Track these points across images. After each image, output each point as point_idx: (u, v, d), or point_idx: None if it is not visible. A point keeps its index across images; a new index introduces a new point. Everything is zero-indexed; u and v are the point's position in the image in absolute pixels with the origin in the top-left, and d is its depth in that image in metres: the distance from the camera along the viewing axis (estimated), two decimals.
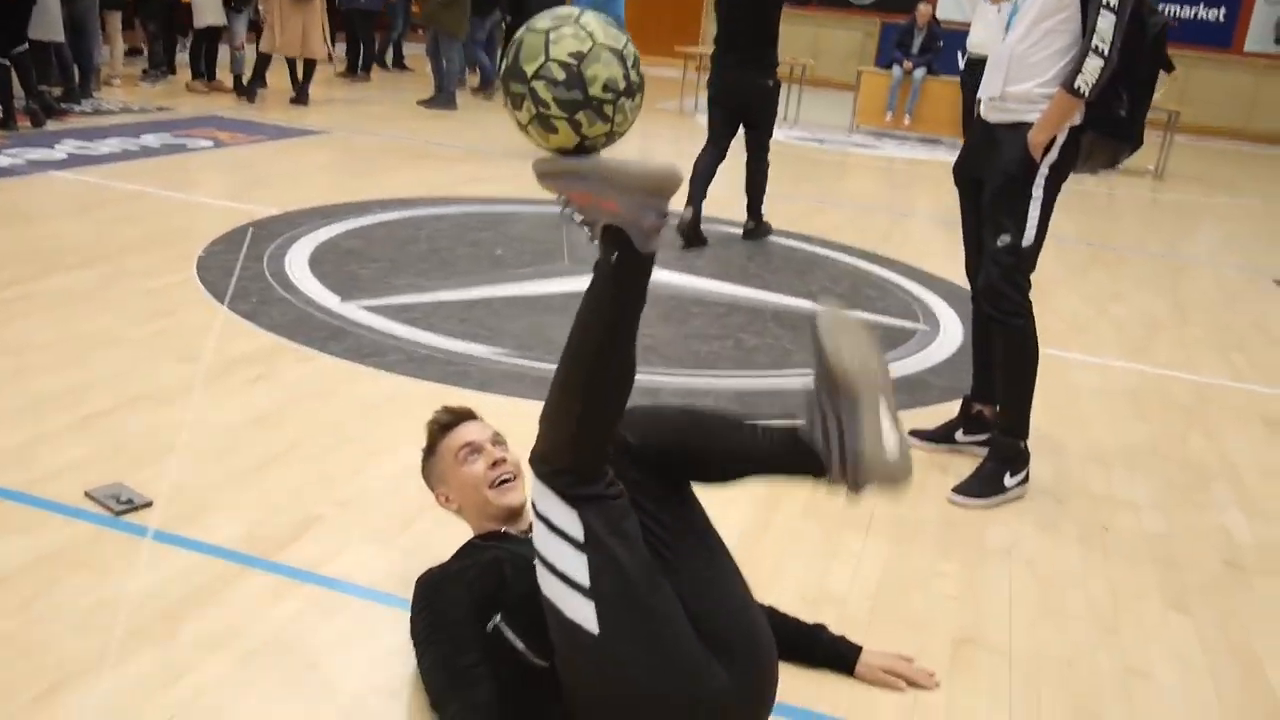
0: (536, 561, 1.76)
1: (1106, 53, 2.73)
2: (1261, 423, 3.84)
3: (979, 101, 3.12)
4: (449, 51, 9.97)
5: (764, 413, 2.90)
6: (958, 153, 3.33)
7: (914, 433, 3.34)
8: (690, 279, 4.98)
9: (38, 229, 4.85)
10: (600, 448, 1.76)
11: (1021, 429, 3.08)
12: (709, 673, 1.68)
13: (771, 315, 4.52)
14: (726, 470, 1.98)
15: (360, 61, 11.82)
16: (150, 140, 7.09)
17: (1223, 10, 14.22)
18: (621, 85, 1.66)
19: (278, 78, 9.45)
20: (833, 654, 2.13)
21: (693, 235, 5.58)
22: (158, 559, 2.32)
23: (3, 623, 2.06)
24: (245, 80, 9.25)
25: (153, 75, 9.71)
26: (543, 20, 1.69)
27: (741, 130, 5.90)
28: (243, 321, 3.81)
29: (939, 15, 11.82)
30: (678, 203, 1.83)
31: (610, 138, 1.72)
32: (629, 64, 1.68)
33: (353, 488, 2.72)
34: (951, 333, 4.45)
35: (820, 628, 2.16)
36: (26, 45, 6.99)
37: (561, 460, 1.74)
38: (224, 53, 9.64)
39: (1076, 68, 2.76)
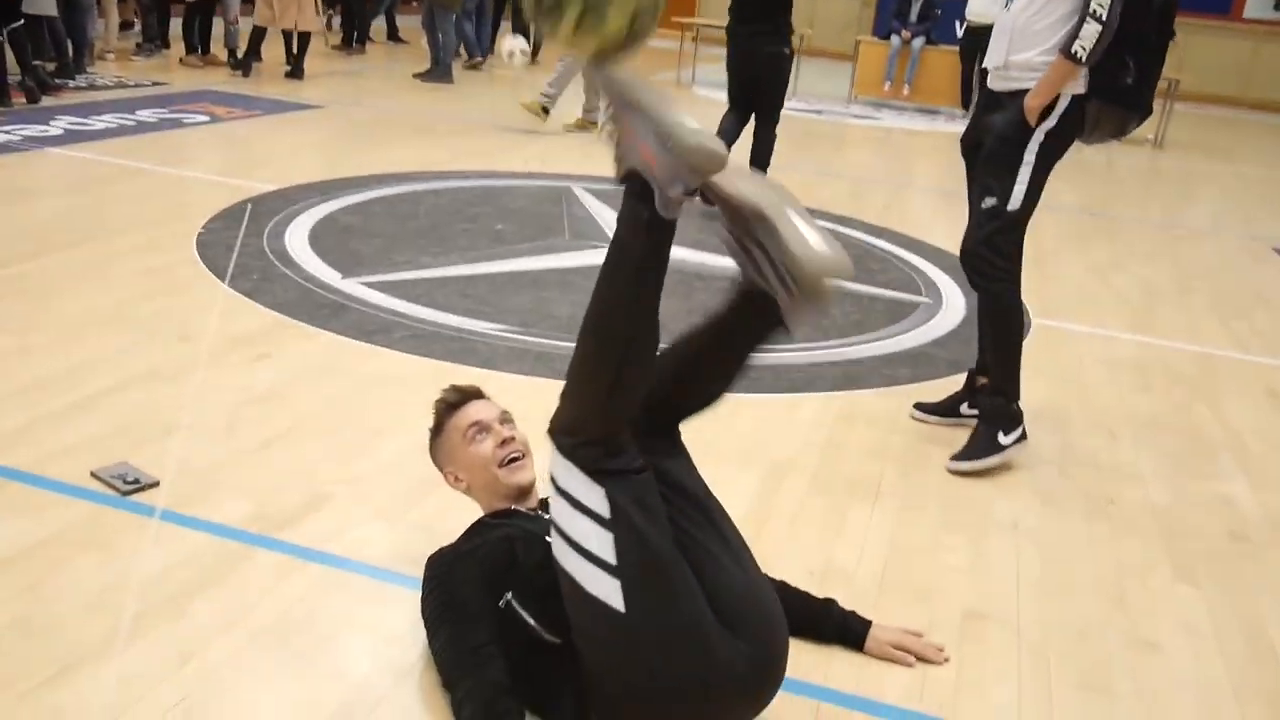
0: (556, 537, 1.75)
1: (1104, 17, 2.71)
2: (1265, 393, 3.84)
3: (984, 72, 3.10)
4: (444, 24, 9.89)
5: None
6: (955, 123, 3.32)
7: (919, 406, 3.34)
8: (692, 253, 4.95)
9: (35, 206, 4.82)
10: (628, 418, 1.75)
11: (1011, 390, 3.09)
12: (726, 648, 1.69)
13: None
14: (710, 381, 1.98)
15: (355, 34, 11.73)
16: (146, 115, 7.04)
17: None
18: None
19: (273, 51, 9.38)
20: (843, 629, 2.13)
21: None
22: (166, 539, 2.32)
23: (13, 604, 2.06)
24: (239, 54, 9.18)
25: (147, 49, 9.63)
26: None
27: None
28: (244, 299, 3.80)
29: None
30: None
31: (655, 10, 1.75)
32: None
33: (359, 466, 2.71)
34: (955, 305, 4.44)
35: (830, 603, 2.16)
36: (21, 21, 6.92)
37: (590, 431, 1.72)
38: (218, 26, 9.56)
39: (1074, 33, 2.74)
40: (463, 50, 11.28)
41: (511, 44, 8.08)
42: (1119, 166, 8.78)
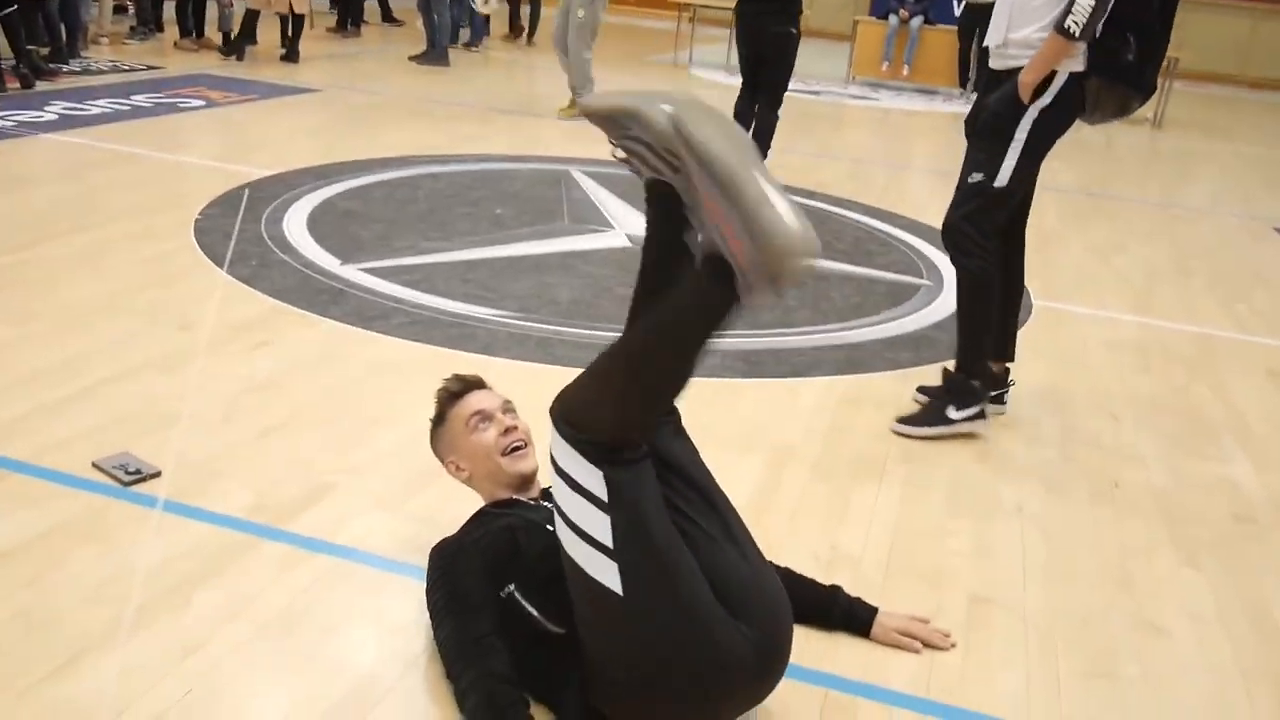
0: (557, 518, 1.74)
1: None
2: (1266, 374, 3.84)
3: (986, 50, 3.08)
4: (439, 7, 9.82)
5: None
6: (954, 103, 3.31)
7: (921, 389, 3.33)
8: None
9: (31, 193, 4.79)
10: (644, 431, 1.75)
11: (972, 366, 3.09)
12: (729, 634, 1.68)
13: None
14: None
15: (350, 17, 11.65)
16: (141, 100, 7.00)
17: None
18: None
19: (268, 35, 9.32)
20: (849, 615, 2.13)
21: None
22: (168, 530, 2.31)
23: (17, 596, 2.05)
24: (233, 37, 9.12)
25: (140, 33, 9.56)
26: None
27: None
28: (243, 286, 3.78)
29: None
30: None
31: None
32: None
33: (360, 455, 2.70)
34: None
35: (836, 589, 2.16)
36: (14, 5, 6.87)
37: (596, 435, 1.68)
38: (212, 9, 9.49)
39: (1068, 8, 2.73)
40: (469, 31, 11.23)
41: None
42: (1118, 146, 8.75)
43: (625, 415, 1.68)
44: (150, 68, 8.30)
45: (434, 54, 9.79)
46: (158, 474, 2.51)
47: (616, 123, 1.86)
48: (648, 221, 1.94)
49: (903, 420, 3.08)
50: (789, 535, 2.50)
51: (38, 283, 3.68)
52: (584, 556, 1.69)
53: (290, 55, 9.12)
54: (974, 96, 3.49)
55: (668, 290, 1.73)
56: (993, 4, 3.03)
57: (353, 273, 4.01)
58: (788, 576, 2.11)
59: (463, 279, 4.05)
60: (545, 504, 1.99)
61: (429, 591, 1.95)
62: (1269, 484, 2.98)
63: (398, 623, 2.06)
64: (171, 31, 9.69)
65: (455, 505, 2.22)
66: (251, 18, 9.00)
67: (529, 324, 3.65)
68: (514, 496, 2.12)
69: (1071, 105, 2.91)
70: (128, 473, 2.49)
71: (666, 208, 1.88)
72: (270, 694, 1.86)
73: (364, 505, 2.47)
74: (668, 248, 1.93)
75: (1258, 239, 5.98)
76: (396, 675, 1.93)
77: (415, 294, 3.84)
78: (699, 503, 1.83)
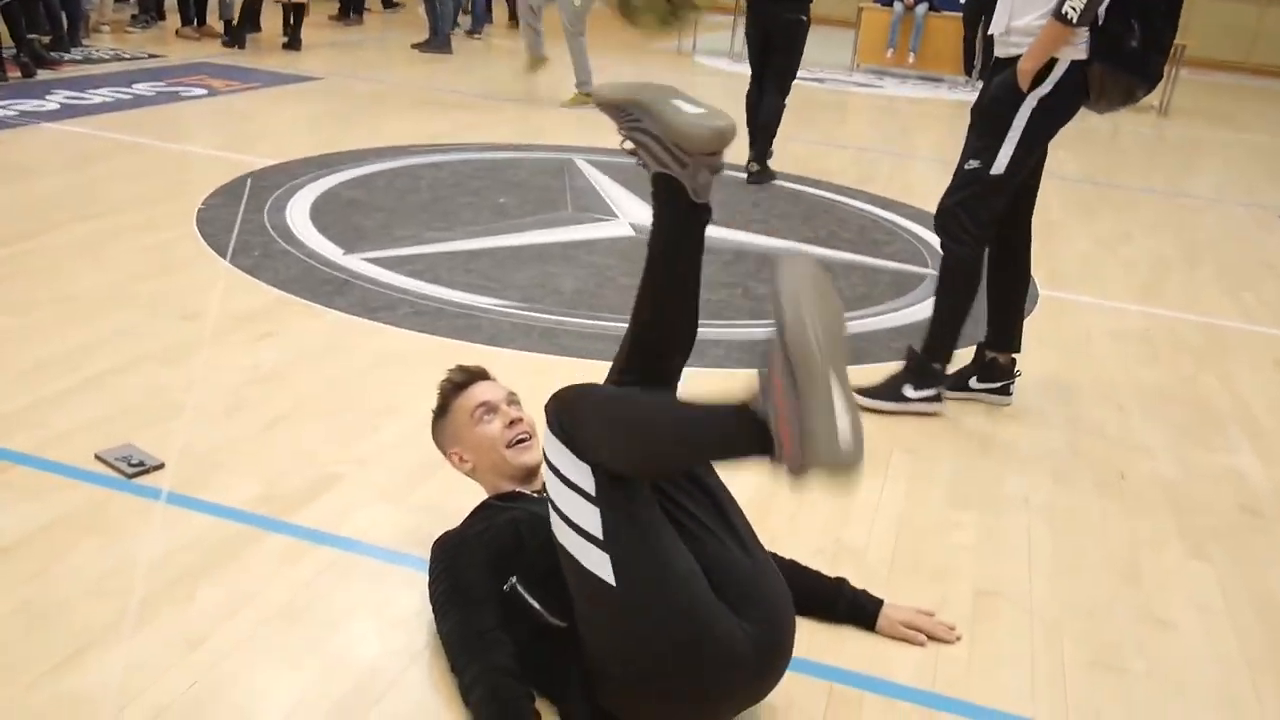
0: (551, 511, 1.75)
1: None
2: (1273, 364, 3.82)
3: (992, 39, 3.07)
4: None
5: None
6: (959, 91, 3.29)
7: None
8: (731, 233, 4.92)
9: (34, 183, 4.78)
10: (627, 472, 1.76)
11: (938, 352, 3.11)
12: (726, 626, 1.67)
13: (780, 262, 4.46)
14: (683, 305, 1.96)
15: (352, 4, 11.61)
16: (143, 89, 6.98)
17: None
18: None
19: (270, 23, 9.29)
20: (854, 608, 2.12)
21: (761, 179, 5.80)
22: (172, 522, 2.30)
23: (21, 588, 2.04)
24: (235, 25, 9.09)
25: (142, 21, 9.54)
26: None
27: None
28: (246, 277, 3.77)
29: None
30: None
31: None
32: None
33: (364, 446, 2.69)
34: None
35: (842, 581, 2.15)
36: None
37: (582, 451, 1.70)
38: None
39: None
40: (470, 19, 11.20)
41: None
42: (1123, 134, 8.72)
43: (615, 460, 1.69)
44: (152, 56, 8.28)
45: (436, 42, 9.76)
46: (161, 466, 2.50)
47: (625, 112, 1.86)
48: (654, 215, 1.93)
49: (860, 391, 3.11)
50: (793, 529, 2.49)
51: (40, 272, 3.67)
52: (577, 548, 1.69)
53: (292, 43, 9.09)
54: (980, 84, 3.47)
55: (706, 405, 1.68)
56: None
57: (356, 263, 4.00)
58: (792, 569, 2.11)
59: (466, 269, 4.03)
60: (548, 497, 1.98)
61: (432, 584, 1.95)
62: (1276, 476, 2.96)
63: (401, 615, 2.06)
64: (173, 19, 9.66)
65: (459, 497, 2.21)
66: (253, 5, 8.98)
67: (533, 314, 3.64)
68: (517, 489, 2.12)
69: (1073, 94, 2.88)
70: (130, 464, 2.48)
71: (674, 202, 1.87)
72: (275, 687, 1.85)
73: (368, 497, 2.47)
74: (674, 243, 1.92)
75: (1265, 228, 5.96)
76: (400, 668, 1.92)
77: (419, 284, 3.83)
78: (699, 497, 1.83)
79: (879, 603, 2.13)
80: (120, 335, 3.20)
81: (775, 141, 5.92)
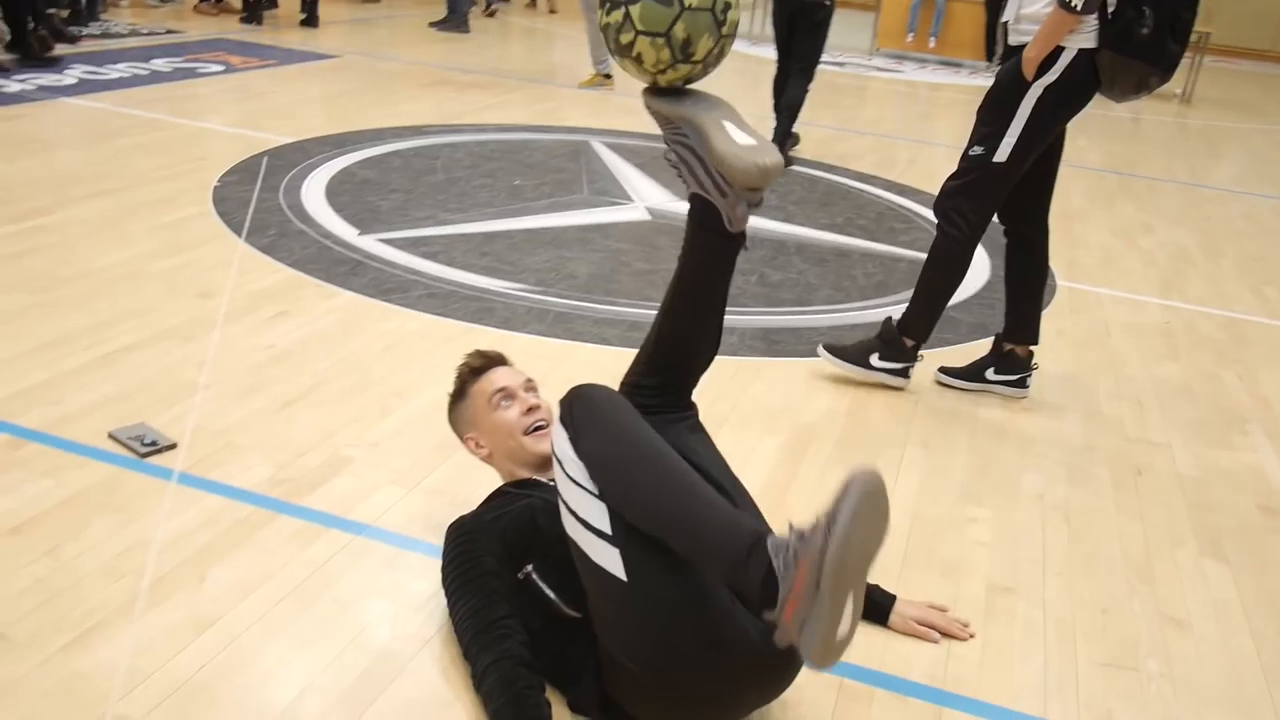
0: (561, 505, 1.74)
1: None
2: None
3: (1006, 26, 3.04)
4: None
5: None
6: (979, 77, 3.27)
7: (943, 370, 3.30)
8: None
9: (51, 158, 4.78)
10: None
11: (916, 329, 3.15)
12: (737, 622, 1.66)
13: (795, 249, 4.44)
14: (706, 319, 1.99)
15: None
16: (160, 64, 6.97)
17: None
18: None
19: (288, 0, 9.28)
20: (867, 603, 2.08)
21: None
22: (184, 503, 2.30)
23: (33, 567, 2.05)
24: (252, 1, 9.07)
25: None
26: None
27: None
28: (261, 256, 3.76)
29: None
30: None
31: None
32: None
33: (378, 429, 2.69)
34: (980, 267, 4.37)
35: None
36: None
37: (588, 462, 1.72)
38: None
39: None
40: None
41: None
42: (1145, 123, 8.63)
43: (610, 498, 1.69)
44: (170, 31, 8.28)
45: (454, 20, 9.72)
46: (173, 446, 2.50)
47: (674, 125, 1.85)
48: (687, 235, 1.93)
49: (828, 347, 3.20)
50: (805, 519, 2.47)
51: (56, 248, 3.67)
52: (586, 542, 1.69)
53: (310, 20, 9.07)
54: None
55: (723, 514, 1.64)
56: None
57: (371, 243, 3.99)
58: None
59: (481, 252, 4.02)
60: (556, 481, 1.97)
61: (445, 569, 1.94)
62: None
63: (412, 601, 2.05)
64: None
65: (473, 481, 2.21)
66: None
67: (547, 298, 3.62)
68: (533, 477, 2.10)
69: (1082, 82, 2.85)
70: (144, 444, 2.48)
71: (708, 226, 1.88)
72: (285, 672, 1.85)
73: (380, 480, 2.46)
74: (704, 266, 1.93)
75: None
76: (411, 654, 1.92)
77: (433, 266, 3.82)
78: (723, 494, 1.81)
79: (892, 598, 2.12)
80: (136, 313, 3.20)
81: (797, 125, 5.88)
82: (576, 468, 1.71)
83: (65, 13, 7.63)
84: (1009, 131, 2.89)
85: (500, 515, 1.95)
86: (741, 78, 8.71)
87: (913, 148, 6.84)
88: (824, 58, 6.08)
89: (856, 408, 3.08)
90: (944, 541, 2.44)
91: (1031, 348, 3.23)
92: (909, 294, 3.24)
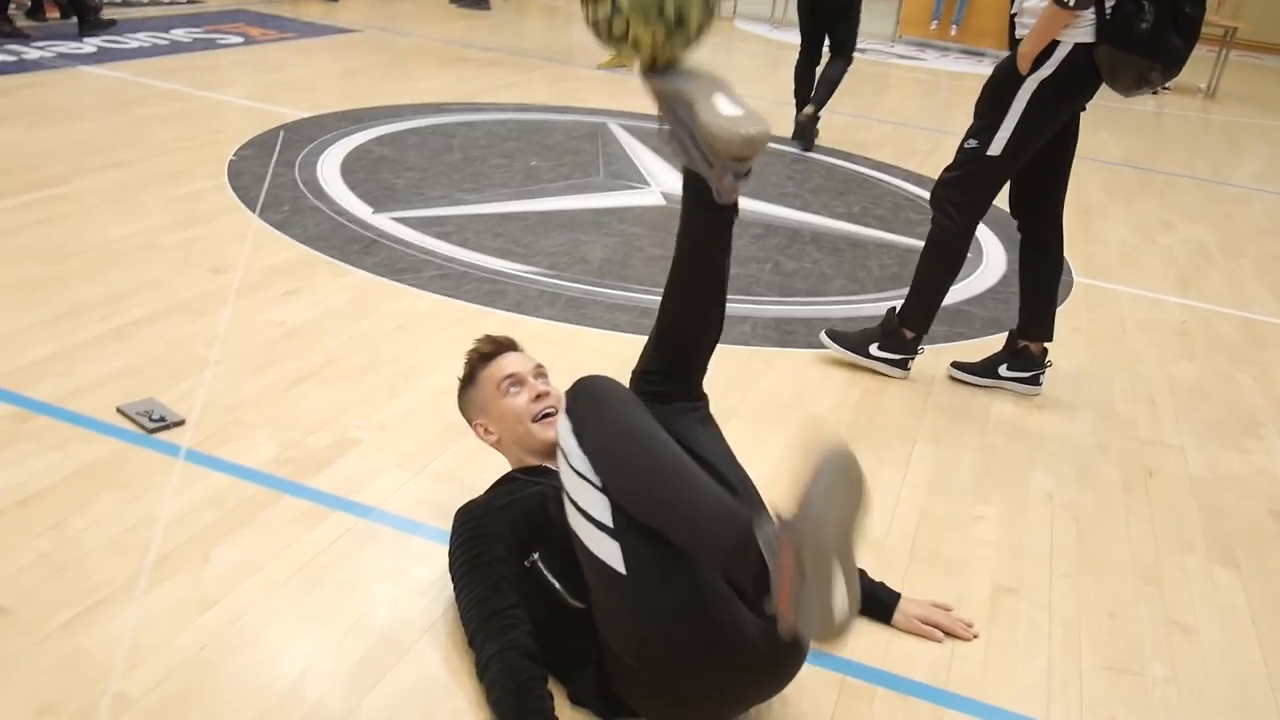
0: (564, 496, 1.74)
1: None
2: None
3: (1011, 18, 3.02)
4: None
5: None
6: None
7: (956, 364, 3.28)
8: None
9: (68, 127, 4.78)
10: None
11: (915, 321, 3.16)
12: (736, 616, 1.65)
13: (810, 238, 4.41)
14: (706, 299, 1.99)
15: None
16: (180, 35, 6.97)
17: None
18: None
19: None
20: (871, 600, 2.09)
21: (808, 135, 5.81)
22: (190, 480, 2.30)
23: (37, 541, 2.05)
24: None
25: None
26: None
27: None
28: (274, 231, 3.76)
29: None
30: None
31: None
32: None
33: (386, 410, 2.68)
34: (995, 262, 4.35)
35: (860, 574, 2.12)
36: None
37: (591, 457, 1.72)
38: None
39: None
40: None
41: None
42: (1168, 117, 8.55)
43: (613, 491, 1.68)
44: (190, 1, 8.26)
45: None
46: (181, 422, 2.50)
47: (668, 100, 1.84)
48: (682, 211, 1.94)
49: (831, 333, 3.23)
50: None
51: (70, 218, 3.67)
52: (588, 535, 1.69)
53: None
54: None
55: (720, 504, 1.64)
56: None
57: (384, 222, 3.98)
58: None
59: (494, 233, 4.01)
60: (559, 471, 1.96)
61: (452, 553, 1.92)
62: None
63: (417, 585, 2.05)
64: None
65: (479, 466, 2.20)
66: None
67: (560, 282, 3.61)
68: (542, 464, 2.09)
69: (1079, 77, 2.82)
70: (152, 419, 2.48)
71: (699, 197, 1.88)
72: (286, 654, 1.85)
73: (388, 462, 2.46)
74: (701, 242, 1.94)
75: None
76: (414, 639, 1.91)
77: (447, 246, 3.81)
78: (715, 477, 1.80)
79: (896, 596, 2.10)
80: (149, 286, 3.20)
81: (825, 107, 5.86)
82: (579, 459, 1.71)
83: None
84: (1003, 125, 2.88)
85: (511, 501, 1.94)
86: (762, 61, 8.66)
87: (933, 137, 6.79)
88: None
89: (867, 401, 3.06)
90: (951, 539, 2.43)
91: (1045, 344, 3.21)
92: None
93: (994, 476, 2.73)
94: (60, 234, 3.53)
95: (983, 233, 4.69)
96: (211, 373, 2.75)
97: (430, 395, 2.73)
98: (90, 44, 6.35)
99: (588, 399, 1.75)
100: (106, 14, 6.85)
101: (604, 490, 1.67)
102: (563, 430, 1.75)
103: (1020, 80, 2.84)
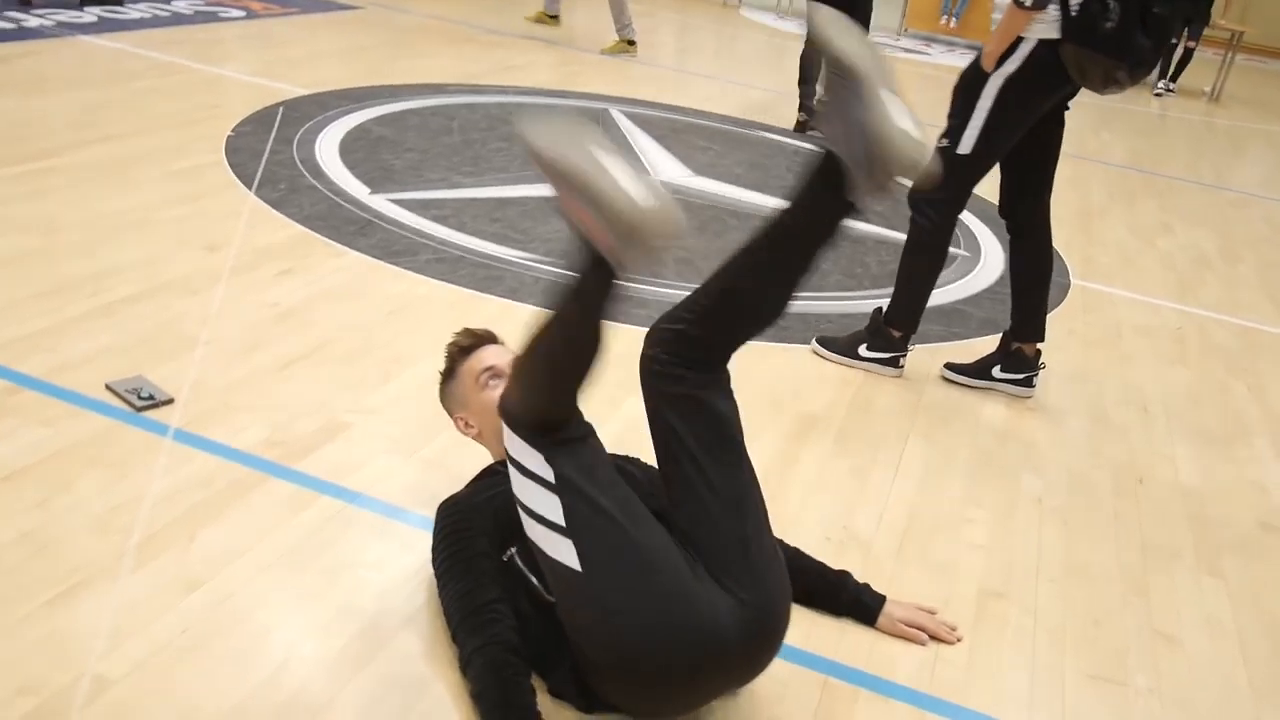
0: (517, 504, 1.74)
1: None
2: None
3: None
4: None
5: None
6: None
7: (950, 366, 3.27)
8: (728, 188, 4.86)
9: (66, 98, 4.74)
10: (568, 407, 1.74)
11: (900, 320, 3.17)
12: (703, 605, 1.63)
13: None
14: (775, 284, 1.85)
15: None
16: (181, 6, 6.92)
17: None
18: None
19: None
20: (856, 603, 2.09)
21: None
22: (177, 460, 2.29)
23: (21, 519, 2.04)
24: None
25: None
26: None
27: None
28: (270, 210, 3.74)
29: None
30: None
31: None
32: None
33: (377, 395, 2.67)
34: (992, 260, 4.33)
35: (845, 575, 2.12)
36: None
37: (533, 418, 1.72)
38: None
39: None
40: None
41: None
42: (1171, 120, 8.53)
43: (537, 399, 1.70)
44: None
45: None
46: (170, 401, 2.49)
47: (841, 66, 1.72)
48: (801, 184, 1.82)
49: (821, 340, 3.26)
50: (802, 511, 2.46)
51: (64, 190, 3.64)
52: (542, 537, 1.69)
53: None
54: None
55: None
56: None
57: (381, 203, 3.95)
58: (797, 558, 2.08)
59: (492, 218, 3.99)
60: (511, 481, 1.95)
61: (435, 548, 1.92)
62: None
63: (403, 574, 2.04)
64: None
65: (468, 453, 2.19)
66: None
67: (556, 269, 3.59)
68: None
69: (1044, 73, 2.83)
70: (140, 398, 2.47)
71: (827, 181, 1.75)
72: (269, 639, 1.84)
73: (377, 448, 2.45)
74: (806, 226, 1.84)
75: None
76: (397, 627, 1.91)
77: (443, 230, 3.79)
78: (723, 458, 1.77)
79: (881, 599, 2.10)
80: (142, 262, 3.18)
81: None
82: (529, 455, 1.71)
83: None
84: (970, 123, 2.90)
85: (494, 495, 1.93)
86: (770, 52, 8.62)
87: (935, 133, 6.75)
88: None
89: (860, 400, 3.05)
90: (939, 541, 2.42)
91: (1039, 346, 3.20)
92: None
93: (984, 480, 2.72)
94: (53, 207, 3.50)
95: (981, 232, 4.68)
96: (202, 352, 2.74)
97: (422, 381, 2.71)
98: (91, 13, 6.30)
99: (505, 396, 1.78)
100: None
101: (555, 489, 1.67)
102: (508, 441, 1.75)
103: (985, 78, 2.86)
